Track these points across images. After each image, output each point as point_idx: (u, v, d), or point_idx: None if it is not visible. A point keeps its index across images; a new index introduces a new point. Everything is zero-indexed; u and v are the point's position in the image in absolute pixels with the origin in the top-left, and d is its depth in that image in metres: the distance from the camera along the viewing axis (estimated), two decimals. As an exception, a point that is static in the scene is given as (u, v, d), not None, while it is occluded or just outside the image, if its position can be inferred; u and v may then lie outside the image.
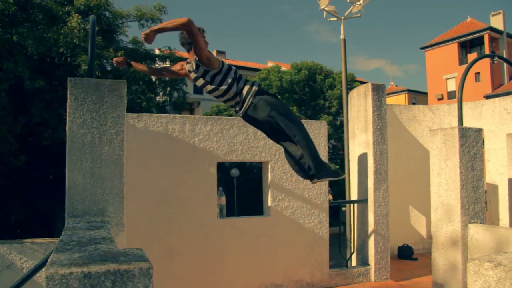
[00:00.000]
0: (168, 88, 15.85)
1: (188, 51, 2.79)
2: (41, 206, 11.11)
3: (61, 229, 2.43)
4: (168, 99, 16.27)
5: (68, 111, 2.57)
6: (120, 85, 2.68)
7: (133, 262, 1.44)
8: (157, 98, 15.84)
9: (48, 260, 1.47)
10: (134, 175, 3.74)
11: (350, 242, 5.33)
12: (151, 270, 1.41)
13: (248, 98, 2.74)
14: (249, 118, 2.86)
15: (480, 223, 3.81)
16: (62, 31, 10.97)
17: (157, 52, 16.46)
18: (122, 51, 12.82)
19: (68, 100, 2.57)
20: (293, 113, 2.95)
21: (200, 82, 2.78)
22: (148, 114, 4.03)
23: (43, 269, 1.37)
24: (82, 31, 10.99)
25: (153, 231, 3.88)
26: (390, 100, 35.08)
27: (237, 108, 2.83)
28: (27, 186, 11.52)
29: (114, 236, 2.26)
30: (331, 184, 17.11)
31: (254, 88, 2.77)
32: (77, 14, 11.34)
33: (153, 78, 15.07)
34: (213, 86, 2.76)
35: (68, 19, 11.31)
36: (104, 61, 12.51)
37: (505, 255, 1.60)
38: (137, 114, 3.95)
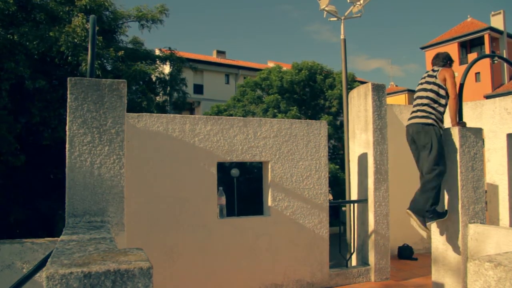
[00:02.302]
0: (168, 88, 15.84)
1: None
2: (41, 206, 11.11)
3: (61, 229, 2.43)
4: (168, 99, 16.26)
5: (68, 111, 2.57)
6: (120, 85, 2.68)
7: (133, 262, 1.44)
8: (157, 98, 15.82)
9: (48, 260, 1.47)
10: (134, 175, 3.74)
11: (350, 242, 5.33)
12: (151, 270, 1.41)
13: None
14: None
15: (480, 223, 3.81)
16: (64, 31, 10.97)
17: (157, 52, 16.45)
18: (123, 51, 12.83)
19: (68, 100, 2.57)
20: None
21: None
22: (148, 114, 4.02)
23: (43, 269, 1.37)
24: (83, 30, 11.00)
25: (153, 231, 3.88)
26: (390, 100, 35.07)
27: None
28: (27, 186, 11.52)
29: (114, 236, 2.26)
30: (331, 184, 17.09)
31: None
32: (82, 14, 11.36)
33: (153, 78, 15.04)
34: None
35: (72, 19, 11.33)
36: (105, 61, 12.51)
37: (505, 255, 1.60)
38: (137, 114, 3.94)
